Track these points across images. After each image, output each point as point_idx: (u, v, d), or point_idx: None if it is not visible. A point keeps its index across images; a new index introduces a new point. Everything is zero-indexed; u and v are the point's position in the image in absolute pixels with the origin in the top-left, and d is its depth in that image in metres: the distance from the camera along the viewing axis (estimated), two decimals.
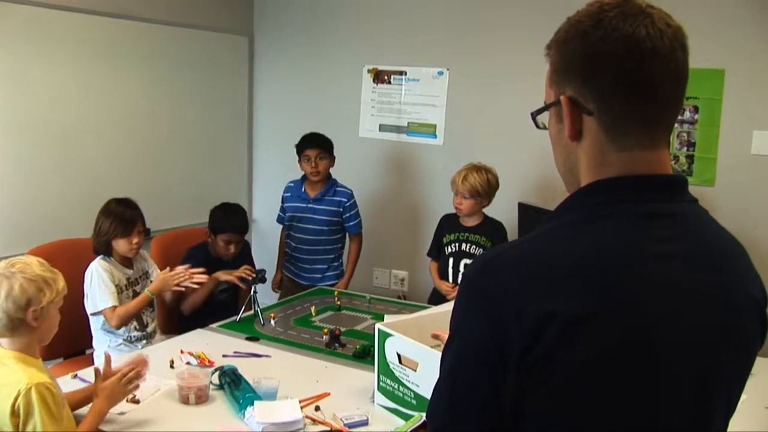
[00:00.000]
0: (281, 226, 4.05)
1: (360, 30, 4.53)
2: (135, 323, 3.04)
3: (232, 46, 4.75)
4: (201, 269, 3.02)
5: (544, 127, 1.04)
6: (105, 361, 2.13)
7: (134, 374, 2.10)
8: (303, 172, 3.90)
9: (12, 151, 3.53)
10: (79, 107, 3.80)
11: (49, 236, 3.27)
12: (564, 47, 0.94)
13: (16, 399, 1.80)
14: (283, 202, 4.00)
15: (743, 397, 2.75)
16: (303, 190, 3.91)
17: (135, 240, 2.99)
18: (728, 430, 2.04)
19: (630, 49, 0.88)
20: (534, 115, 1.04)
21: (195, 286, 3.03)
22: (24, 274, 1.89)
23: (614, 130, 0.92)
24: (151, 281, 3.08)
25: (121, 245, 2.98)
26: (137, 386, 2.11)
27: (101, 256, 2.98)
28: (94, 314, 2.94)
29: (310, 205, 3.87)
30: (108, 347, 2.95)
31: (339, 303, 3.43)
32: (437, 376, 0.97)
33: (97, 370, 2.13)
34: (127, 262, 3.06)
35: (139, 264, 3.13)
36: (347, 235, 4.02)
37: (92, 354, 3.05)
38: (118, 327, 2.92)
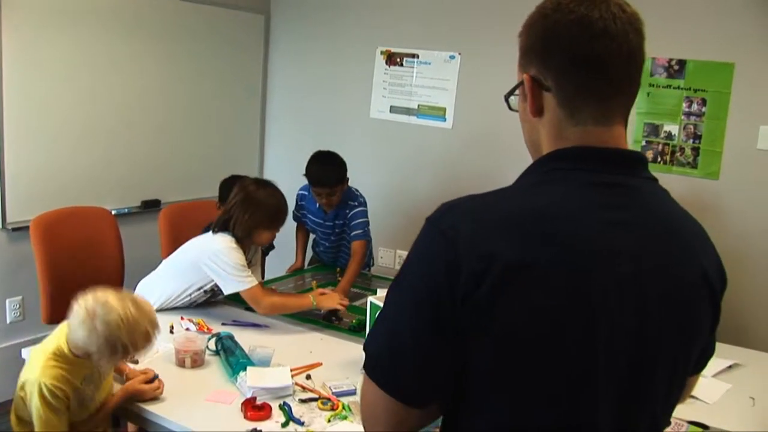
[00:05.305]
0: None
1: (374, 12, 4.56)
2: None
3: (248, 24, 4.79)
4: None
5: (515, 110, 1.10)
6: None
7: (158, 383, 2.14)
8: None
9: (27, 122, 3.59)
10: (94, 80, 3.86)
11: (61, 204, 3.36)
12: (529, 30, 1.03)
13: (23, 384, 1.97)
14: (299, 209, 3.75)
15: (728, 386, 2.76)
16: (318, 207, 3.59)
17: (276, 232, 2.89)
18: (714, 419, 2.08)
19: (582, 28, 0.96)
20: (506, 97, 1.10)
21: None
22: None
23: (569, 105, 0.99)
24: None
25: (263, 237, 2.85)
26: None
27: (226, 232, 2.74)
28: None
29: (328, 222, 3.64)
30: None
31: (340, 279, 3.49)
32: None
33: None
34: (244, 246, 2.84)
35: (251, 252, 2.97)
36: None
37: None
38: (266, 313, 2.81)
